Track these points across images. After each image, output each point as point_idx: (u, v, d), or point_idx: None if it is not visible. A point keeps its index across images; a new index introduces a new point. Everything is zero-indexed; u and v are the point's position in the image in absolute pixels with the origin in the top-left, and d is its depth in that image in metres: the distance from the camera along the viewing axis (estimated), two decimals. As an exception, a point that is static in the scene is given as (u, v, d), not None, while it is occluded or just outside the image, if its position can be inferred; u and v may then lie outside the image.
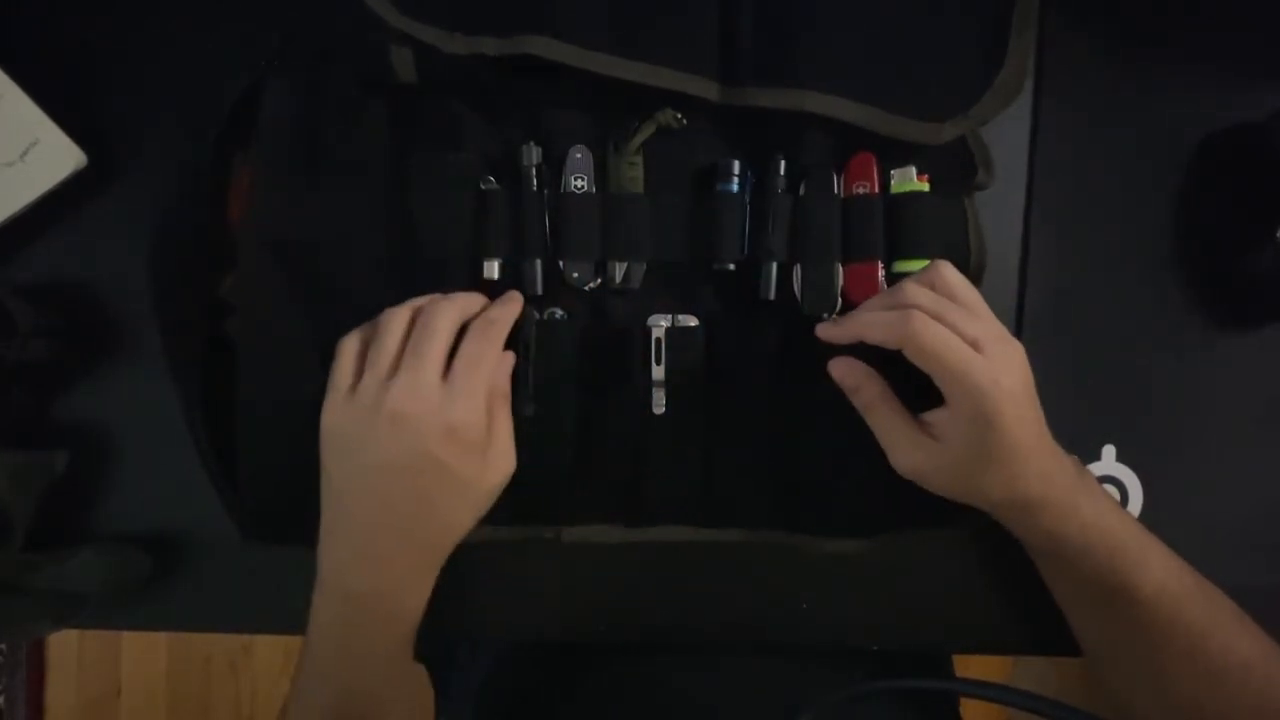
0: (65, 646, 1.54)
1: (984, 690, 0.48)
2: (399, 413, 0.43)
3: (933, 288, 0.45)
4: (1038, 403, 0.45)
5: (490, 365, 0.45)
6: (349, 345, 0.46)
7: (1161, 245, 0.54)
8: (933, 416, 0.45)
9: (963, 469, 0.45)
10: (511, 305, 0.48)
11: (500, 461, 0.46)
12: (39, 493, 0.52)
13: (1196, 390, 0.54)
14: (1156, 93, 0.54)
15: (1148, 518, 0.54)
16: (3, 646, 1.46)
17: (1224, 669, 0.46)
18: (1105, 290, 0.54)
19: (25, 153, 0.51)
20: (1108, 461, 0.54)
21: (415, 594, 0.47)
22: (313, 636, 0.47)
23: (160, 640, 1.55)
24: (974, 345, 0.42)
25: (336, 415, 0.45)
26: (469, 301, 0.47)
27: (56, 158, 0.51)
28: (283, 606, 0.53)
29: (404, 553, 0.46)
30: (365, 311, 0.48)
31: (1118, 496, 0.54)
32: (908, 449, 0.45)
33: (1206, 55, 0.53)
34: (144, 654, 1.55)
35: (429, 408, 0.43)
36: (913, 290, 0.44)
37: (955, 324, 0.43)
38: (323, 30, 0.50)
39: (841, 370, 0.47)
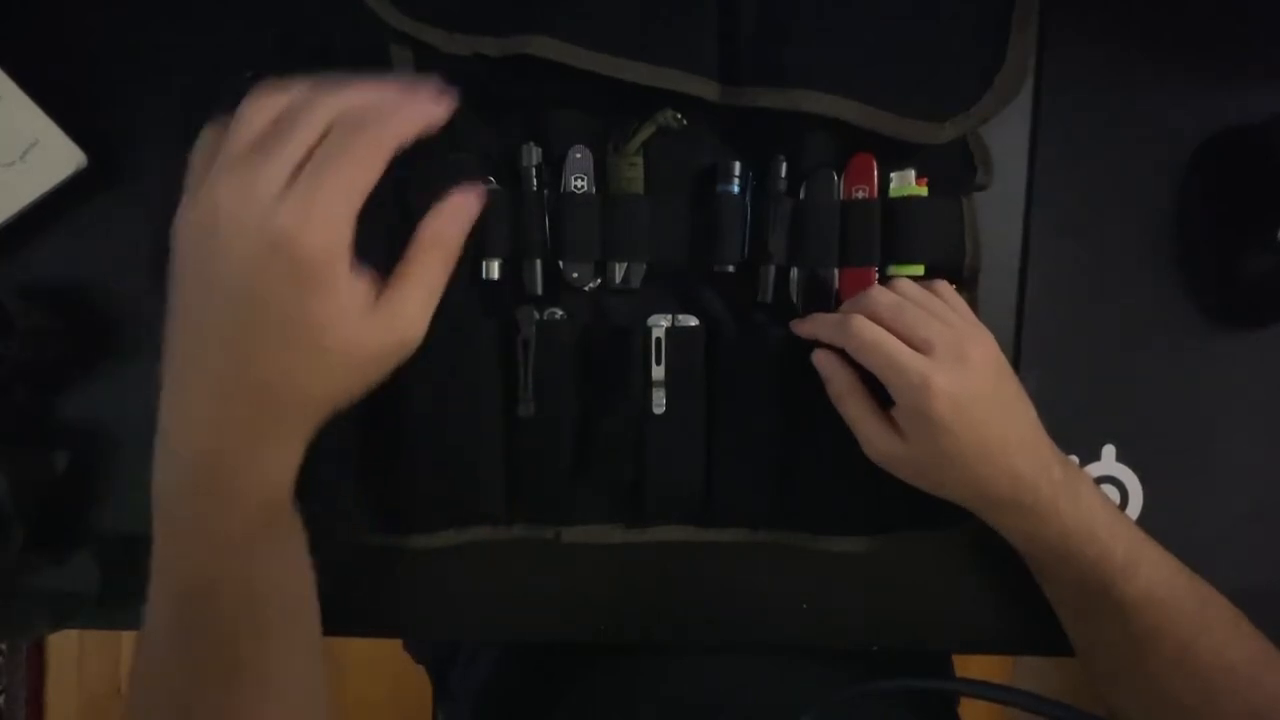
0: (65, 646, 1.53)
1: (984, 690, 0.48)
2: (214, 220, 0.33)
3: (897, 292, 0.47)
4: (1010, 403, 0.46)
5: (359, 168, 0.34)
6: (206, 139, 0.36)
7: (1161, 245, 0.54)
8: (894, 411, 0.46)
9: (924, 463, 0.46)
10: (427, 104, 0.36)
11: (394, 323, 0.36)
12: (39, 493, 0.52)
13: (1196, 390, 0.54)
14: (1156, 93, 0.54)
15: (1147, 518, 0.54)
16: (3, 646, 1.45)
17: (1213, 673, 0.46)
18: (1105, 290, 0.54)
19: (25, 153, 0.51)
20: (1108, 461, 0.54)
21: (272, 461, 0.37)
22: (159, 514, 0.38)
23: (160, 640, 1.55)
24: (924, 346, 0.44)
25: (176, 222, 0.35)
26: (374, 93, 0.35)
27: (56, 158, 0.51)
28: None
29: (244, 403, 0.36)
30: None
31: (1117, 497, 0.54)
32: (873, 439, 0.47)
33: (1206, 56, 0.53)
34: (144, 654, 1.55)
35: (252, 213, 0.32)
36: (874, 293, 0.46)
37: (910, 326, 0.44)
38: (321, 30, 0.50)
39: (820, 360, 0.48)
